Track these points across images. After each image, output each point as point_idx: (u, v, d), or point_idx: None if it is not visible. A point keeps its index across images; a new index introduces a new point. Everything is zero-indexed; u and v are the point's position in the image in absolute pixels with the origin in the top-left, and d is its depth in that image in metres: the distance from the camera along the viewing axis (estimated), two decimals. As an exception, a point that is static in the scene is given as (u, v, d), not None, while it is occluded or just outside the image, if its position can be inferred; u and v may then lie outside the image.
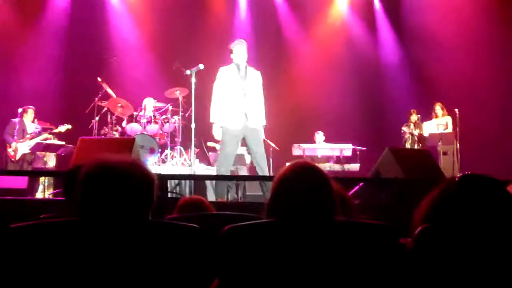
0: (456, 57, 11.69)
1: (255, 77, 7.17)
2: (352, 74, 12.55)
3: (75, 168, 2.81)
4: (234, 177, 9.19)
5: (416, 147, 10.63)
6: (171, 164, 9.31)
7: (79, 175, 2.08)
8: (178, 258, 2.00)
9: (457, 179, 2.28)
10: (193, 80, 7.65)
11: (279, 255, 2.07)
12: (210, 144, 9.97)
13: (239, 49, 7.13)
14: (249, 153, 7.96)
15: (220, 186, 7.52)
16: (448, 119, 10.57)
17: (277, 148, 10.74)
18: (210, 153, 10.31)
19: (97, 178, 2.00)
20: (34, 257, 1.93)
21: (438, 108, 10.67)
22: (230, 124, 6.94)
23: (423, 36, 12.46)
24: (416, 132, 10.70)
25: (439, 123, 10.61)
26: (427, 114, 10.92)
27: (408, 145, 10.70)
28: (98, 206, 1.97)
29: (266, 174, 6.99)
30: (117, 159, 2.07)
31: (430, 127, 10.67)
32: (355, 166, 10.28)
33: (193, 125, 7.56)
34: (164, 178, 5.23)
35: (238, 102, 6.94)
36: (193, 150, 7.73)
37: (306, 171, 2.24)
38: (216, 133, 7.07)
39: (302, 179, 2.21)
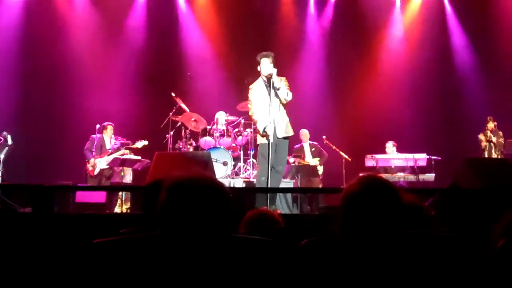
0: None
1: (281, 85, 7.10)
2: (426, 81, 12.29)
3: (154, 182, 2.87)
4: (305, 190, 9.16)
5: (494, 155, 10.29)
6: (244, 176, 9.39)
7: (158, 190, 2.13)
8: (258, 273, 2.01)
9: None
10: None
11: (353, 269, 2.06)
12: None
13: (265, 62, 7.12)
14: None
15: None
16: None
17: (349, 159, 10.64)
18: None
19: (178, 193, 2.03)
20: (116, 272, 1.98)
21: None
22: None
23: (498, 39, 12.12)
24: (493, 140, 10.37)
25: None
26: (505, 121, 10.57)
27: (486, 154, 10.38)
28: (179, 221, 1.99)
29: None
30: (195, 175, 2.10)
31: None
32: (430, 176, 10.04)
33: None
34: (239, 191, 5.27)
35: (266, 114, 7.00)
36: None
37: (375, 185, 2.22)
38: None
39: (371, 193, 2.20)
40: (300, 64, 12.46)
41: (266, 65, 7.08)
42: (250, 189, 7.94)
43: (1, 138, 9.59)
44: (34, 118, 11.24)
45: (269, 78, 7.01)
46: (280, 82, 7.03)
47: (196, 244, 1.99)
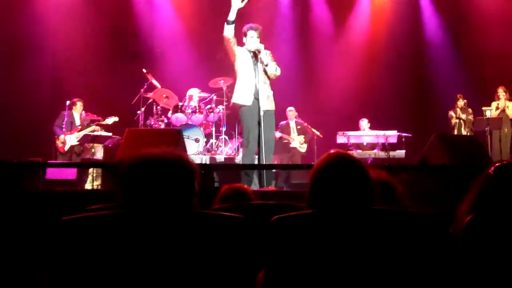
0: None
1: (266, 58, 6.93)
2: (397, 59, 12.37)
3: (124, 159, 2.86)
4: (278, 166, 9.19)
5: (464, 132, 10.45)
6: (217, 153, 9.40)
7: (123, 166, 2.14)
8: (223, 249, 2.02)
9: (491, 171, 2.29)
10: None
11: (322, 245, 2.08)
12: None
13: (252, 35, 6.93)
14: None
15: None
16: (510, 104, 10.35)
17: (321, 136, 10.72)
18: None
19: (137, 170, 2.05)
20: (82, 249, 1.99)
21: (500, 91, 10.42)
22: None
23: (468, 17, 12.25)
24: (463, 117, 10.51)
25: (500, 106, 10.38)
26: (474, 98, 10.72)
27: (455, 131, 10.53)
28: (139, 198, 2.01)
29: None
30: (157, 151, 2.11)
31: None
32: (400, 153, 10.16)
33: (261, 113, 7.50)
34: (210, 168, 5.27)
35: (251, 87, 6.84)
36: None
37: (341, 162, 2.25)
38: None
39: (337, 170, 2.22)
40: (271, 40, 12.40)
41: (253, 39, 6.91)
42: (220, 166, 7.94)
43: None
44: (2, 93, 11.02)
45: (254, 52, 6.85)
46: (267, 56, 6.87)
47: (156, 220, 2.00)
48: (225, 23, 6.84)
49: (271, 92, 6.99)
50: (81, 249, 1.98)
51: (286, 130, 10.88)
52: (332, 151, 2.34)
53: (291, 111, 10.98)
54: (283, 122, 10.91)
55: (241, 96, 6.87)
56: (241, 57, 6.95)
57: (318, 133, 10.75)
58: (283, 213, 2.21)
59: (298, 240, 2.09)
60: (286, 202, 3.14)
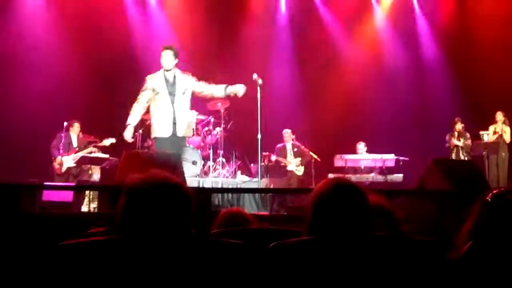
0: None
1: (185, 82, 7.07)
2: (394, 82, 12.44)
3: (122, 183, 2.86)
4: (276, 190, 9.19)
5: (461, 156, 10.46)
6: (213, 176, 9.39)
7: (121, 190, 2.13)
8: (222, 275, 2.01)
9: (489, 198, 2.32)
10: (259, 87, 7.57)
11: (323, 273, 2.08)
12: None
13: (165, 55, 7.04)
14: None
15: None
16: (507, 129, 10.39)
17: (319, 159, 10.71)
18: (252, 164, 10.36)
19: (136, 195, 2.05)
20: (80, 275, 1.97)
21: (499, 114, 10.47)
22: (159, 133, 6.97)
23: (466, 41, 12.35)
24: (461, 142, 10.53)
25: (498, 130, 10.42)
26: (471, 122, 10.76)
27: (453, 155, 10.55)
28: (138, 223, 2.01)
29: None
30: (155, 176, 2.10)
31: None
32: (398, 177, 10.17)
33: (259, 136, 7.50)
34: (207, 191, 5.26)
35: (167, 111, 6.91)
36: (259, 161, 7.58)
37: (342, 189, 2.25)
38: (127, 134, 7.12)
39: (338, 197, 2.22)
40: (269, 61, 12.49)
41: (168, 58, 7.03)
42: (218, 189, 7.93)
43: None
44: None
45: (169, 71, 6.94)
46: (196, 82, 7.08)
47: (156, 246, 1.99)
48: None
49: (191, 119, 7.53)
50: (79, 275, 1.96)
51: (282, 152, 10.85)
52: (330, 176, 2.35)
53: (287, 133, 10.95)
54: (279, 145, 10.90)
55: None
56: None
57: (315, 156, 10.74)
58: (282, 238, 2.20)
59: (298, 267, 2.09)
60: (284, 228, 3.14)
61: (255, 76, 7.60)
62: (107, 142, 9.78)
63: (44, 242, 4.11)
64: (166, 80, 6.96)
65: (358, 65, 12.78)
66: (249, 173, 10.19)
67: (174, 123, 6.86)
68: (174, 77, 6.96)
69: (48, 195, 8.07)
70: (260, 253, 2.14)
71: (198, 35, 12.14)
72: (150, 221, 1.98)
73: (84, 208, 8.63)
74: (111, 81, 11.46)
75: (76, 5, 11.81)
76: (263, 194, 8.55)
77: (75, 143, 9.93)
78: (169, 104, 6.89)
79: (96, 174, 9.81)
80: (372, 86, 12.46)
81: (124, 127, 9.96)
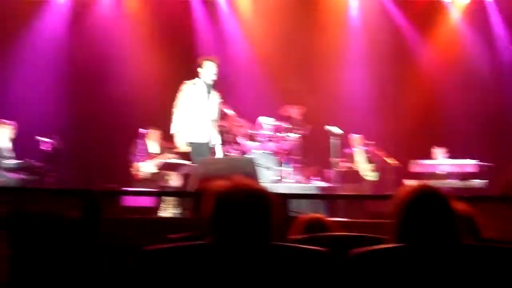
0: None
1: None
2: (471, 86, 12.04)
3: (203, 188, 2.89)
4: (354, 196, 9.09)
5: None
6: (288, 181, 9.37)
7: (206, 196, 2.15)
8: (306, 283, 1.99)
9: None
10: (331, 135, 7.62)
11: (410, 281, 2.03)
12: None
13: (209, 67, 7.38)
14: None
15: None
16: None
17: (395, 165, 10.48)
18: (326, 170, 10.29)
19: (225, 203, 2.06)
20: (164, 281, 2.00)
21: None
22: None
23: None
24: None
25: None
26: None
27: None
28: (228, 231, 2.01)
29: None
30: (240, 182, 2.11)
31: None
32: (479, 183, 9.81)
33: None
34: (283, 197, 5.26)
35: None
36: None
37: (430, 196, 2.21)
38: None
39: (427, 204, 2.19)
40: (342, 65, 12.37)
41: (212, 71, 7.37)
42: (294, 195, 7.90)
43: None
44: (79, 121, 11.41)
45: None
46: None
47: (239, 252, 2.01)
48: None
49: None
50: (163, 281, 1.99)
51: (354, 158, 10.72)
52: (409, 182, 2.31)
53: (357, 138, 10.83)
54: (350, 150, 10.78)
55: None
56: None
57: (391, 161, 10.54)
58: (362, 245, 2.17)
59: (384, 275, 2.05)
60: (363, 234, 3.09)
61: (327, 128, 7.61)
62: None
63: (127, 247, 4.22)
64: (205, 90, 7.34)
65: (433, 68, 12.45)
66: (324, 179, 10.11)
67: (208, 130, 7.12)
68: (211, 87, 7.28)
69: (128, 200, 8.29)
70: (343, 260, 2.11)
71: (270, 42, 12.16)
72: (238, 227, 1.99)
73: (163, 214, 8.79)
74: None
75: (150, 11, 12.07)
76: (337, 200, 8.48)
77: (153, 150, 10.13)
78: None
79: (174, 180, 9.97)
80: (448, 90, 12.11)
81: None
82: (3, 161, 8.82)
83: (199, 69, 7.34)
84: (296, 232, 3.31)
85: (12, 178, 8.73)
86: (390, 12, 12.73)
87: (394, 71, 12.38)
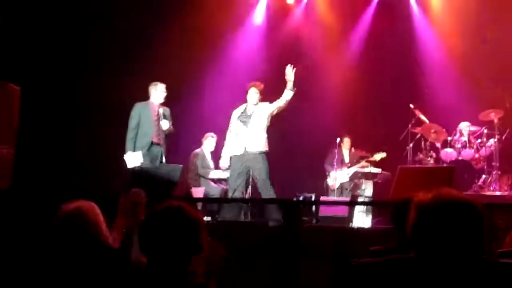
0: None
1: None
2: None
3: (404, 200, 2.89)
4: None
5: None
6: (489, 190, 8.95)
7: (408, 208, 2.14)
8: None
9: None
10: None
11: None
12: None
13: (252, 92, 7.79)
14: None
15: None
16: None
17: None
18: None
19: (429, 215, 2.00)
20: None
21: None
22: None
23: None
24: None
25: None
26: None
27: None
28: (432, 244, 1.98)
29: None
30: (444, 193, 2.06)
31: None
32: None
33: None
34: (488, 207, 5.04)
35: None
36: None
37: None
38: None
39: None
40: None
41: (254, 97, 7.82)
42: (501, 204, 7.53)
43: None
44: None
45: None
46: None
47: (449, 268, 1.95)
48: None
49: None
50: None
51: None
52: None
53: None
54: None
55: None
56: None
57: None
58: None
59: None
60: None
61: None
62: (378, 156, 9.91)
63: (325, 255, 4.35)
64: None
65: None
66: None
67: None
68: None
69: (325, 209, 8.49)
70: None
71: (467, 43, 11.52)
72: (444, 241, 1.94)
73: (358, 224, 8.86)
74: (379, 96, 11.47)
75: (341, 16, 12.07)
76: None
77: (347, 159, 10.23)
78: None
79: (368, 189, 9.99)
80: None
81: (392, 142, 10.04)
82: (208, 171, 9.33)
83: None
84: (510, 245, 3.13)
85: (216, 188, 9.24)
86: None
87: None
